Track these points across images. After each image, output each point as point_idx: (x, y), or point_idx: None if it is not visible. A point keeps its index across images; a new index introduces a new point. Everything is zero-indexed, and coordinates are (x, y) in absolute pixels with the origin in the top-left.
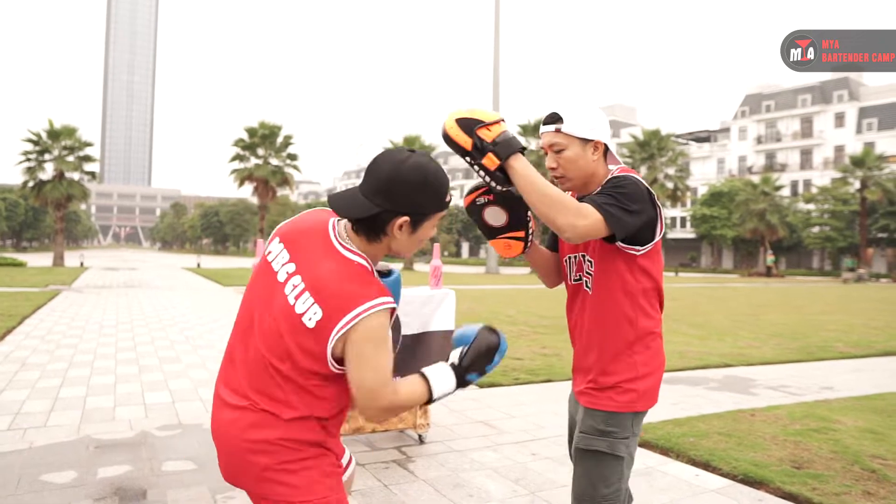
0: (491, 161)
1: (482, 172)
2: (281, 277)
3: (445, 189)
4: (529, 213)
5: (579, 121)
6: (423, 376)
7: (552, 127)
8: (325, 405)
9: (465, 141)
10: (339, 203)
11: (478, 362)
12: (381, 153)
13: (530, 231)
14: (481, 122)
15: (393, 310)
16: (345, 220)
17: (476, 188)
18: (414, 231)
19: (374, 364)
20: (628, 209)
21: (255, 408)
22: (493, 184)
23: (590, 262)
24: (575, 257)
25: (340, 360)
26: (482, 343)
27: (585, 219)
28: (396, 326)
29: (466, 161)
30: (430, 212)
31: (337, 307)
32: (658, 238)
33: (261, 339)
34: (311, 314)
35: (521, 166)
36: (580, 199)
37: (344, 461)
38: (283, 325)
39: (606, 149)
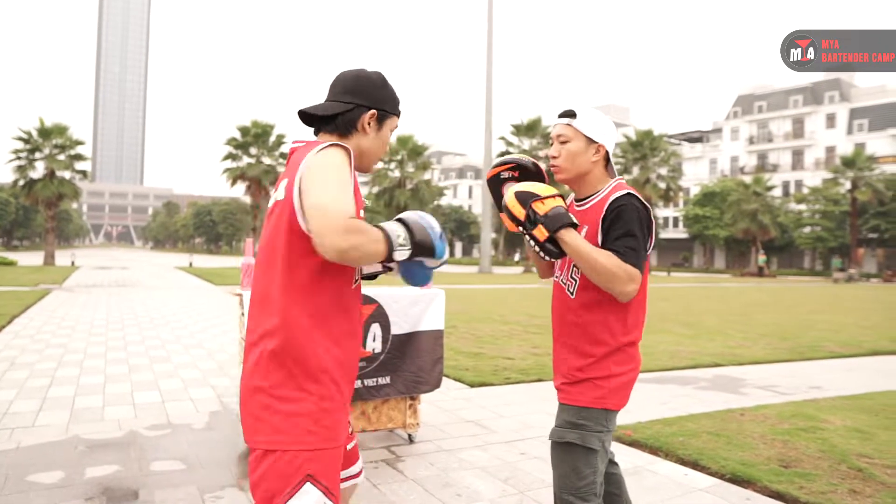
0: (541, 232)
1: (532, 242)
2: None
3: (398, 97)
4: None
5: (590, 121)
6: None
7: (565, 120)
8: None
9: (520, 212)
10: (314, 109)
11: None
12: (339, 73)
13: None
14: (537, 195)
15: (349, 151)
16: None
17: (502, 163)
18: (379, 129)
19: (335, 185)
20: (646, 247)
21: (256, 344)
22: (542, 255)
23: (575, 267)
24: None
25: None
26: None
27: (635, 282)
28: (386, 326)
29: (520, 231)
30: (390, 111)
31: (297, 161)
32: (649, 251)
33: (260, 262)
34: (282, 186)
35: (571, 239)
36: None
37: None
38: (272, 218)
39: (608, 157)
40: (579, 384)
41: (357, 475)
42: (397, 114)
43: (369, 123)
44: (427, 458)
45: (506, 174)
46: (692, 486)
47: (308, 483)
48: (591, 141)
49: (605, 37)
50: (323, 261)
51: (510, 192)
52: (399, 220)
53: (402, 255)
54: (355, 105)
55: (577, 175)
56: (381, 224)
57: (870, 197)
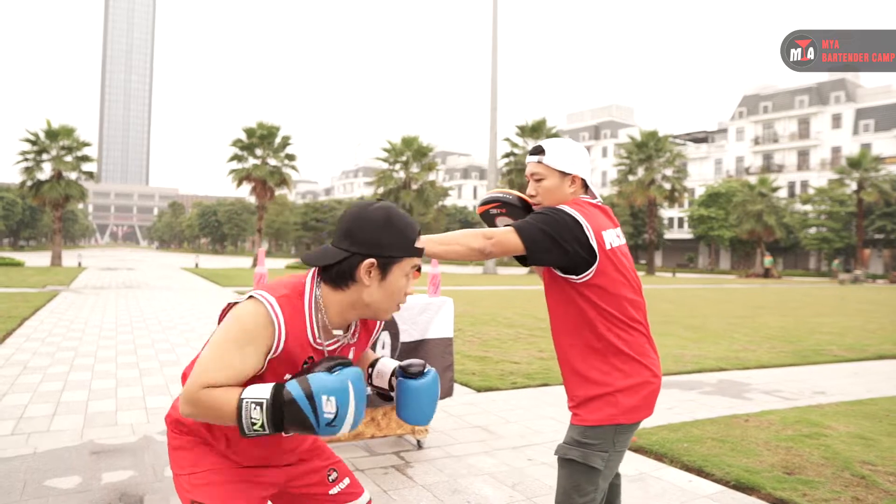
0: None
1: None
2: None
3: (412, 232)
4: None
5: (560, 154)
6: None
7: (535, 158)
8: None
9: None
10: (311, 255)
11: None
12: (346, 209)
13: None
14: None
15: (266, 309)
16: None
17: (489, 201)
18: (383, 277)
19: (219, 349)
20: (542, 229)
21: None
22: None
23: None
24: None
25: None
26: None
27: (490, 238)
28: (395, 334)
29: None
30: (398, 254)
31: None
32: (595, 266)
33: None
34: None
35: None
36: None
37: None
38: None
39: (585, 184)
40: (583, 405)
41: None
42: (409, 255)
43: (369, 273)
44: (436, 463)
45: (494, 211)
46: (697, 493)
47: None
48: (564, 174)
49: (609, 37)
50: None
51: None
52: (290, 396)
53: (257, 434)
54: (351, 253)
55: None
56: (246, 398)
57: (876, 198)
